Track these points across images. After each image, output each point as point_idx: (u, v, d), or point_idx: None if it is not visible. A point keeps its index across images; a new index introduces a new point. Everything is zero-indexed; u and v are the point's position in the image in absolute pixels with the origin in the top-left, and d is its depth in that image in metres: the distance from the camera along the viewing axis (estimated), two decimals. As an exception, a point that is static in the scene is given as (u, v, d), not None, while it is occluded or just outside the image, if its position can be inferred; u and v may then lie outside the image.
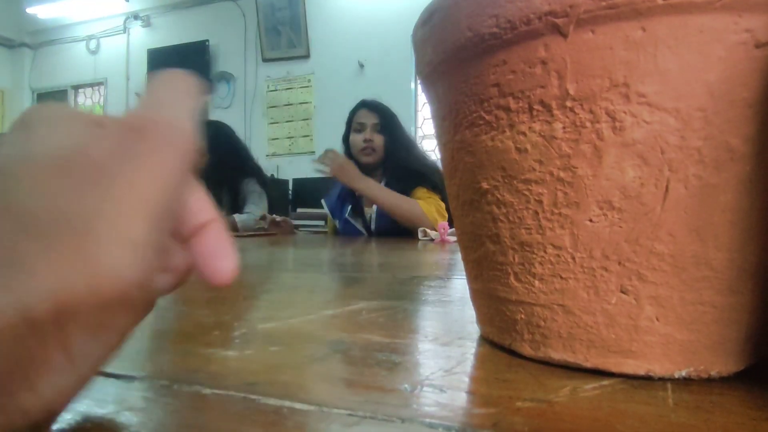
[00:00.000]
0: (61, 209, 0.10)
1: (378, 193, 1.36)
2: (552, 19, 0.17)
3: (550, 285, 0.20)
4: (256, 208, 1.75)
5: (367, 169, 1.49)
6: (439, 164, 0.32)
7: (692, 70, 0.16)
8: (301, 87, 3.94)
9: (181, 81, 0.15)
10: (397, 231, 1.43)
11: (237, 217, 1.68)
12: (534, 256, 0.20)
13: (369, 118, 1.47)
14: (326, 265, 0.63)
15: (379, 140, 1.46)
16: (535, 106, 0.19)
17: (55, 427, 0.15)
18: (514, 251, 0.21)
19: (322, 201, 1.64)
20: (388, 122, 1.47)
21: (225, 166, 1.75)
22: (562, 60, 0.18)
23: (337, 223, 1.56)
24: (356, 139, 1.48)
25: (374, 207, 1.47)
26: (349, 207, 1.51)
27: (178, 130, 0.13)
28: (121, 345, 0.13)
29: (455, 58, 0.21)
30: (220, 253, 0.15)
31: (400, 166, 1.42)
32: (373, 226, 1.48)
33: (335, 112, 3.72)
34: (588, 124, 0.18)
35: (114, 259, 0.11)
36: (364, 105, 1.50)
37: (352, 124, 1.50)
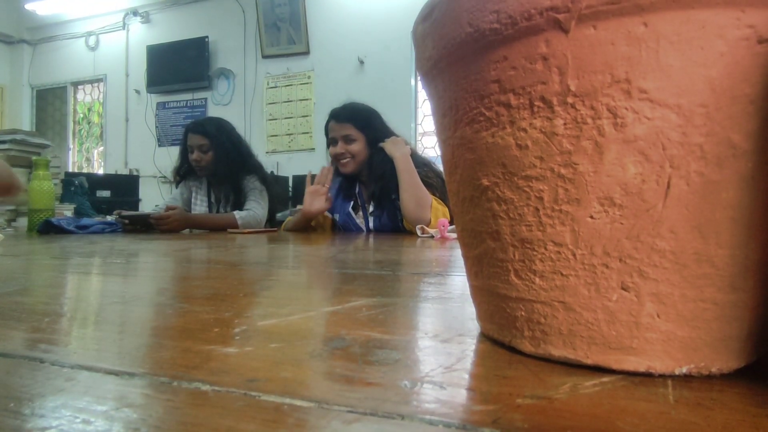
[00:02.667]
0: None
1: (408, 166, 1.34)
2: (553, 15, 0.17)
3: (551, 282, 0.20)
4: (256, 205, 1.75)
5: (351, 177, 1.49)
6: (438, 162, 0.32)
7: (694, 66, 0.16)
8: (300, 83, 3.93)
9: None
10: (395, 228, 1.43)
11: (237, 213, 1.68)
12: (534, 252, 0.20)
13: (338, 131, 1.44)
14: (326, 262, 0.63)
15: (355, 147, 1.43)
16: (536, 103, 0.19)
17: (54, 423, 0.15)
18: (515, 248, 0.21)
19: None
20: (363, 125, 1.44)
21: (227, 162, 1.75)
22: (563, 56, 0.18)
23: (336, 217, 1.56)
24: (332, 151, 1.47)
25: (372, 204, 1.47)
26: (351, 203, 1.51)
27: None
28: None
29: (455, 54, 0.21)
30: None
31: (388, 172, 1.39)
32: (371, 224, 1.48)
33: (335, 108, 3.73)
34: (589, 120, 0.18)
35: None
36: (332, 117, 1.47)
37: (328, 136, 1.49)
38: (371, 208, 1.48)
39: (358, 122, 1.44)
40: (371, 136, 1.44)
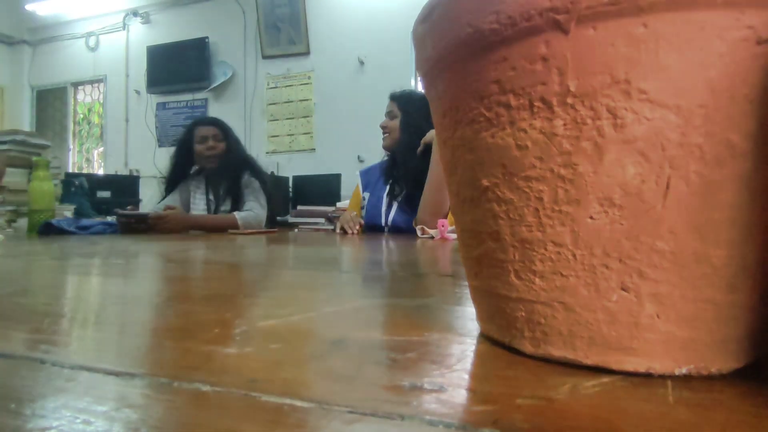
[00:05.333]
0: None
1: (437, 165, 1.32)
2: (553, 16, 0.17)
3: (551, 282, 0.20)
4: (256, 205, 1.75)
5: (393, 158, 1.55)
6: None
7: (693, 67, 0.16)
8: (301, 84, 3.93)
9: None
10: (409, 224, 1.43)
11: (237, 214, 1.68)
12: (534, 253, 0.20)
13: (387, 107, 1.55)
14: (326, 263, 0.63)
15: (392, 123, 1.52)
16: (536, 103, 0.19)
17: (55, 423, 0.15)
18: (515, 248, 0.21)
19: (358, 172, 1.70)
20: (402, 106, 1.52)
21: (236, 153, 1.79)
22: (563, 56, 0.18)
23: (366, 196, 1.59)
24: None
25: (401, 190, 1.48)
26: (387, 187, 1.52)
27: None
28: None
29: (455, 55, 0.21)
30: None
31: (412, 164, 1.41)
32: (390, 218, 1.48)
33: (335, 109, 3.75)
34: (589, 120, 0.18)
35: None
36: (390, 96, 1.58)
37: None
38: (400, 197, 1.49)
39: (401, 102, 1.53)
40: (406, 118, 1.49)
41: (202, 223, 1.65)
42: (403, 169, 1.47)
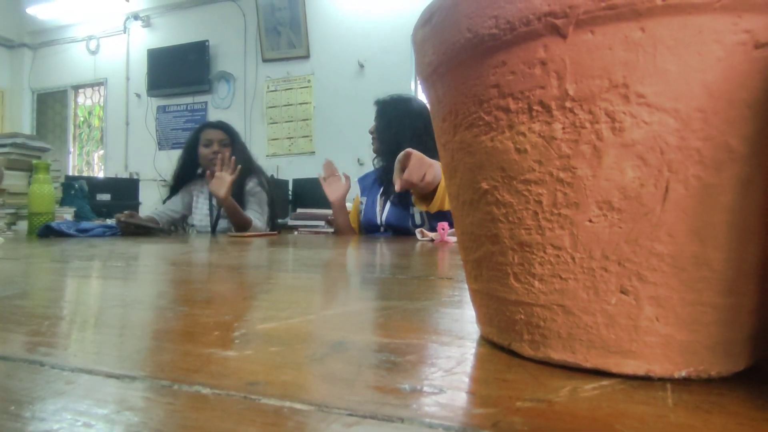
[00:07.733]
0: None
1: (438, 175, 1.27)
2: (551, 20, 0.18)
3: (550, 285, 0.20)
4: (256, 214, 1.75)
5: (385, 165, 1.58)
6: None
7: (691, 71, 0.16)
8: (300, 87, 3.94)
9: None
10: (404, 222, 1.43)
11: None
12: (534, 256, 0.20)
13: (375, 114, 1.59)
14: (325, 266, 0.63)
15: (374, 128, 1.57)
16: (535, 107, 0.19)
17: (55, 426, 0.15)
18: (514, 251, 0.21)
19: (356, 180, 1.73)
20: (379, 109, 1.56)
21: (242, 159, 1.79)
22: (561, 61, 0.18)
23: (363, 201, 1.62)
24: None
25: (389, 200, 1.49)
26: (381, 188, 1.53)
27: None
28: None
29: (455, 59, 0.21)
30: None
31: (391, 165, 1.43)
32: (384, 217, 1.49)
33: (335, 112, 3.76)
34: (587, 124, 0.18)
35: None
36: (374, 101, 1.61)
37: None
38: (392, 196, 1.50)
39: (380, 107, 1.56)
40: (381, 124, 1.52)
41: (236, 207, 1.65)
42: (388, 170, 1.48)
